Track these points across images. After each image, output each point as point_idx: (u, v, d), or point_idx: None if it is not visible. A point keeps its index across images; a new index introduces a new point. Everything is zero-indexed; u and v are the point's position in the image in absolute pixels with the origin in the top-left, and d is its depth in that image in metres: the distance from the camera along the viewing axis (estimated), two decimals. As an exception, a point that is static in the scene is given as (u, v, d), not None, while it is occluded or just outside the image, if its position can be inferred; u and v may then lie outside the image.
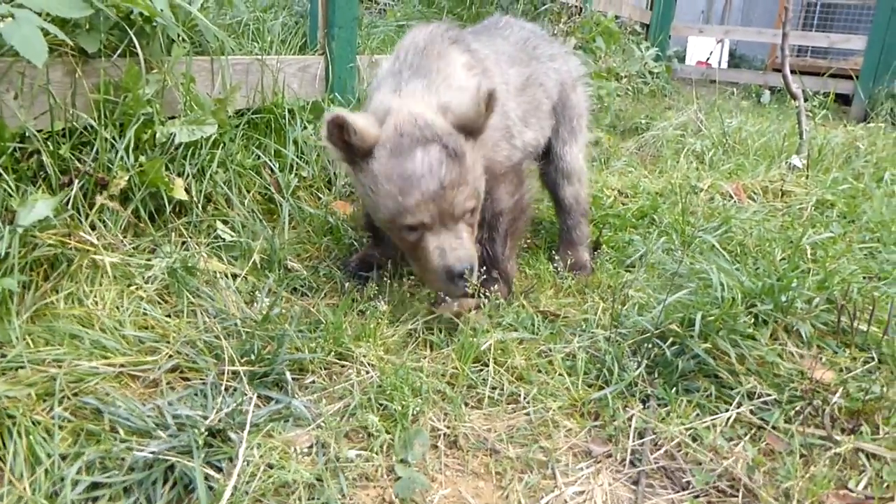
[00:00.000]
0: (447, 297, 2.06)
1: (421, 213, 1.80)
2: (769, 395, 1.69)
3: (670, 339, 1.81)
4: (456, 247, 1.83)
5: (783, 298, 1.90)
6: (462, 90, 1.97)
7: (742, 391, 1.70)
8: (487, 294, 2.02)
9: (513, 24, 2.62)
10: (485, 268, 2.06)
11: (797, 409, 1.65)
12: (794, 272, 2.05)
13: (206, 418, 1.44)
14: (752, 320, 1.84)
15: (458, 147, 1.83)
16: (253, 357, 1.68)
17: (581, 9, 5.99)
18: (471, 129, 1.88)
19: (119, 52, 2.09)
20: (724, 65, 10.37)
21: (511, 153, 2.18)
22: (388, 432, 1.53)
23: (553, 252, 2.50)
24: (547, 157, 2.63)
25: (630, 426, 1.61)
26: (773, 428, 1.62)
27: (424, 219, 1.81)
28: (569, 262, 2.44)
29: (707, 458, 1.52)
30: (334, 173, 2.89)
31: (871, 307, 1.89)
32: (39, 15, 1.73)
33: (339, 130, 1.82)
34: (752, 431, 1.62)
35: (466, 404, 1.69)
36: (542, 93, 2.46)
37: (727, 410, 1.66)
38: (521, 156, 2.25)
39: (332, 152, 1.90)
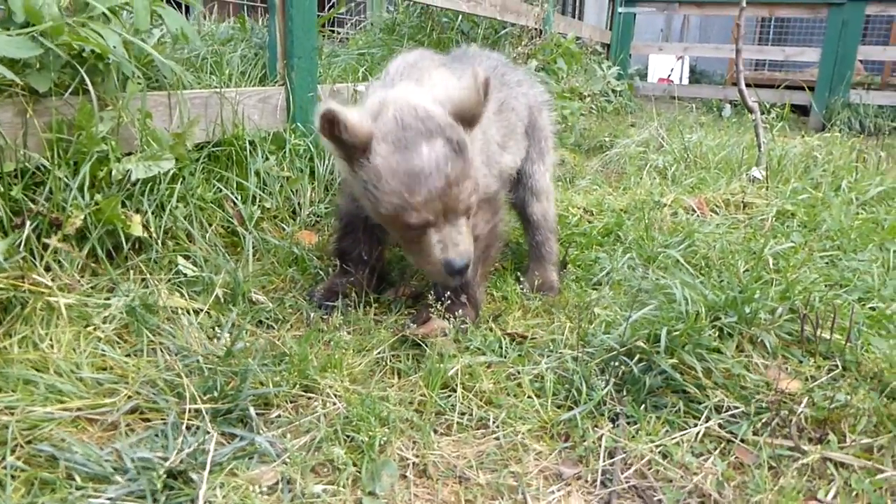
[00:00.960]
0: (412, 323, 2.05)
1: (427, 211, 1.77)
2: (737, 407, 1.69)
3: (637, 356, 1.81)
4: (457, 242, 1.82)
5: (747, 310, 1.92)
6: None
7: (710, 405, 1.70)
8: (453, 318, 2.01)
9: (480, 54, 2.68)
10: (449, 293, 2.06)
11: (764, 420, 1.65)
12: (757, 283, 2.08)
13: (165, 459, 1.40)
14: (717, 333, 1.86)
15: (461, 139, 1.81)
16: (216, 394, 1.64)
17: (541, 31, 6.07)
18: (470, 118, 1.86)
19: (71, 90, 2.06)
20: (686, 81, 10.59)
21: (489, 181, 2.18)
22: (355, 464, 1.50)
23: (520, 273, 2.50)
24: (517, 178, 2.66)
25: (600, 446, 1.60)
26: (742, 441, 1.62)
27: (430, 216, 1.78)
28: (536, 283, 2.45)
29: (677, 475, 1.52)
30: (298, 203, 2.87)
31: (832, 315, 1.92)
32: (-14, 55, 1.71)
33: (331, 126, 1.76)
34: (722, 445, 1.62)
35: (435, 431, 1.67)
36: (515, 116, 2.49)
37: (696, 425, 1.66)
38: (498, 185, 2.26)
39: (328, 147, 1.87)
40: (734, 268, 2.37)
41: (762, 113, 4.39)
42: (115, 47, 2.06)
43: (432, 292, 2.11)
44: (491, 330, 2.12)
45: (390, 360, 1.93)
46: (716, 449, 1.60)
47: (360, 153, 1.80)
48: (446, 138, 1.78)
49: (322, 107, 1.75)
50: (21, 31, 1.86)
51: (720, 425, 1.67)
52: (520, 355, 1.98)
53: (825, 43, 7.81)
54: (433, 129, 1.78)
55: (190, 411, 1.59)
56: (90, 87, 2.03)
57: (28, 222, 1.87)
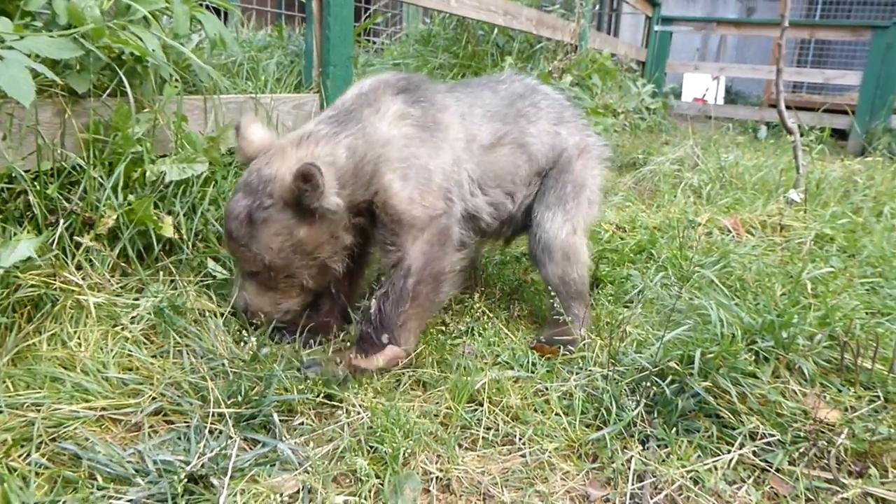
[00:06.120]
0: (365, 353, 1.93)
1: (227, 247, 2.02)
2: (772, 435, 1.64)
3: (669, 377, 1.76)
4: (243, 288, 2.01)
5: (784, 335, 1.86)
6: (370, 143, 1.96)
7: (744, 431, 1.64)
8: (357, 355, 1.90)
9: (514, 80, 2.41)
10: (369, 330, 1.93)
11: (801, 450, 1.59)
12: (795, 308, 2.01)
13: (187, 463, 1.39)
14: (753, 357, 1.80)
15: (260, 214, 1.87)
16: (240, 398, 1.63)
17: (576, 47, 6.04)
18: (291, 204, 1.87)
19: (109, 91, 2.09)
20: (721, 101, 10.46)
21: (435, 207, 1.97)
22: (377, 476, 1.47)
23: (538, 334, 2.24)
24: (528, 224, 2.30)
25: (629, 468, 1.56)
26: (777, 470, 1.56)
27: (230, 253, 2.03)
28: (552, 339, 2.14)
29: (710, 503, 1.46)
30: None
31: (874, 344, 1.85)
32: (29, 56, 1.72)
33: (237, 133, 2.03)
34: (756, 474, 1.56)
35: (460, 446, 1.63)
36: (522, 155, 2.23)
37: (729, 451, 1.60)
38: (449, 217, 2.02)
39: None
40: (771, 291, 2.31)
41: (800, 135, 4.30)
42: (154, 51, 2.08)
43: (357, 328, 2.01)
44: (520, 344, 2.08)
45: (416, 372, 1.91)
46: (749, 477, 1.55)
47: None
48: (254, 203, 1.88)
49: (241, 118, 2.02)
50: (63, 32, 1.88)
51: (754, 453, 1.61)
52: (548, 371, 1.94)
53: (867, 66, 7.65)
54: (254, 188, 1.89)
55: (213, 415, 1.58)
56: (128, 90, 2.05)
57: (62, 220, 1.88)
